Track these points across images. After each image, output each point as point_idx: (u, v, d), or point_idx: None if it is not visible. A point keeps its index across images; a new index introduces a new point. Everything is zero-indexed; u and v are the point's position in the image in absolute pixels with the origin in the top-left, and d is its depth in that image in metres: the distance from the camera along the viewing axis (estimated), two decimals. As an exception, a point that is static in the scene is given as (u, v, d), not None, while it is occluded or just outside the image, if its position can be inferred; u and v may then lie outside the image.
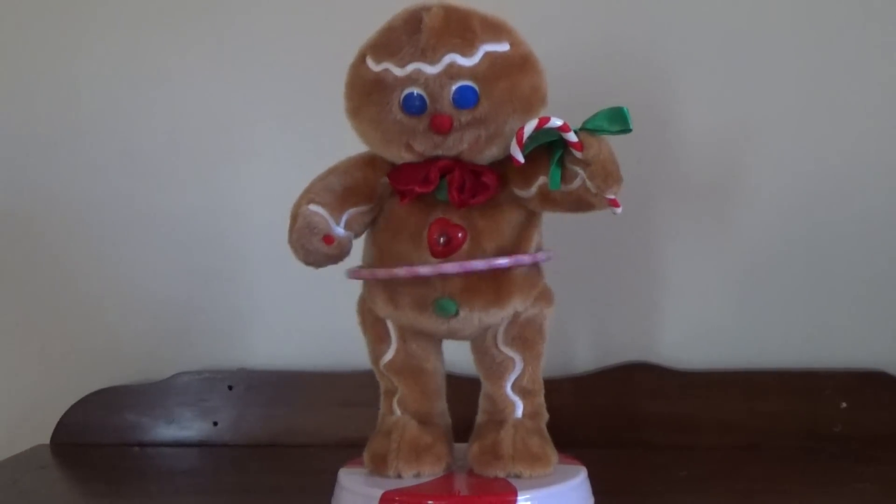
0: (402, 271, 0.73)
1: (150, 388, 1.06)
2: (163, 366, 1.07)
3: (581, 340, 1.06)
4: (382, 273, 0.74)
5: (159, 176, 1.08)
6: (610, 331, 1.06)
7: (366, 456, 0.77)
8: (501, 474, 0.74)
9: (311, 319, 1.05)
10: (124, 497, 0.90)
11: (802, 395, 1.01)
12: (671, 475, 0.90)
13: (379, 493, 0.71)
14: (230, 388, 1.06)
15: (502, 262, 0.73)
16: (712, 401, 1.01)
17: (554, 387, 1.01)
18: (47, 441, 1.06)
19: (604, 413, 1.02)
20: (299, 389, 1.05)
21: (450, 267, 0.72)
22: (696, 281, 1.05)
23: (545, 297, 0.78)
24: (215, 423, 1.05)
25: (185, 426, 1.06)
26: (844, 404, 1.00)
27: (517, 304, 0.75)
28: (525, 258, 0.74)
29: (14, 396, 1.10)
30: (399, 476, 0.74)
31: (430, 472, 0.75)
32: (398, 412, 0.78)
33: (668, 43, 1.04)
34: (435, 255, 0.72)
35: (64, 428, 1.05)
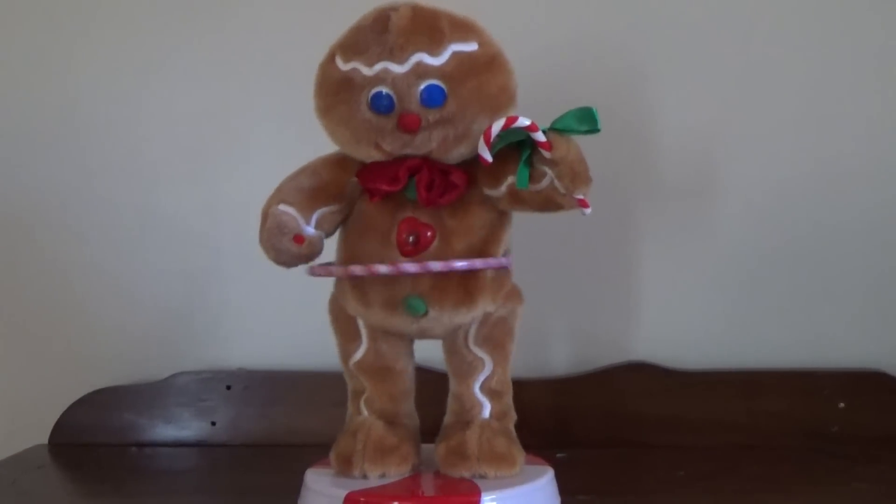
0: (358, 269, 0.73)
1: (149, 388, 1.06)
2: (161, 366, 1.07)
3: (576, 341, 1.06)
4: (340, 271, 0.74)
5: (157, 176, 1.09)
6: (605, 331, 1.06)
7: (332, 456, 0.77)
8: (467, 475, 0.74)
9: (310, 319, 1.04)
10: (122, 497, 0.90)
11: (800, 395, 1.01)
12: (669, 475, 0.91)
13: (343, 493, 0.71)
14: (228, 388, 1.06)
15: (461, 264, 0.72)
16: (710, 401, 1.01)
17: (551, 387, 1.02)
18: (45, 441, 1.06)
19: (602, 413, 1.02)
20: (297, 389, 1.05)
21: (409, 267, 0.71)
22: (694, 281, 1.05)
23: (515, 296, 0.78)
24: (213, 423, 1.05)
25: (184, 426, 1.06)
26: (842, 404, 1.00)
27: (487, 305, 0.75)
28: (491, 261, 0.74)
29: (12, 397, 1.10)
30: (364, 476, 0.74)
31: (395, 472, 0.75)
32: (365, 412, 0.78)
33: (644, 44, 1.05)
34: (404, 254, 0.73)
35: (62, 428, 1.05)
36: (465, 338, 0.77)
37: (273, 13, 1.07)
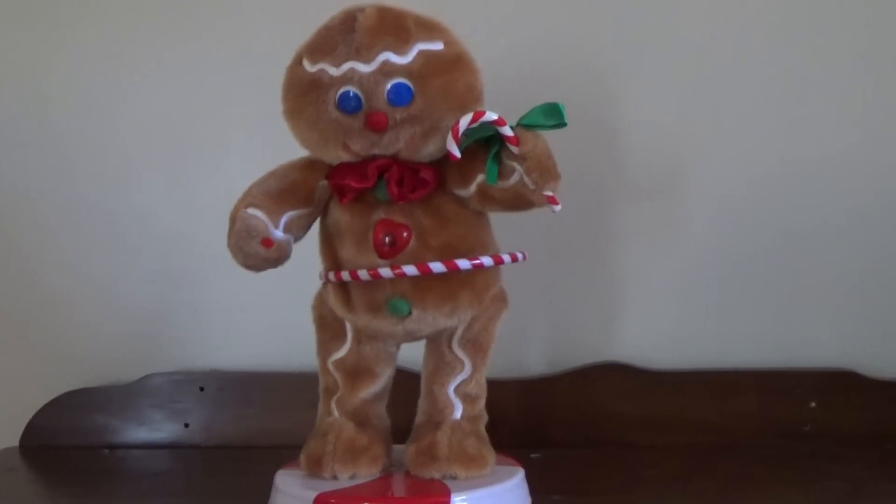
0: (364, 274, 0.73)
1: (121, 389, 1.05)
2: (133, 367, 1.06)
3: (550, 341, 1.07)
4: (364, 274, 0.74)
5: (129, 177, 1.08)
6: (578, 332, 1.06)
7: (302, 457, 0.77)
8: (437, 475, 0.74)
9: (283, 320, 1.04)
10: (95, 500, 0.90)
11: (772, 395, 1.02)
12: (642, 474, 0.91)
13: (313, 495, 0.71)
14: (202, 389, 1.05)
15: (463, 263, 0.73)
16: (683, 400, 1.01)
17: (526, 387, 1.02)
18: (16, 443, 1.05)
19: (576, 413, 1.02)
20: (271, 390, 1.05)
21: (409, 269, 0.72)
22: (667, 281, 1.06)
23: (501, 299, 0.78)
24: (186, 425, 1.05)
25: (156, 428, 1.05)
26: (814, 404, 1.01)
27: (471, 304, 0.75)
28: (479, 260, 0.74)
29: (-17, 398, 1.09)
30: (335, 478, 0.74)
31: (366, 473, 0.75)
32: (336, 413, 0.78)
33: (613, 42, 1.05)
34: (382, 255, 0.73)
35: (33, 430, 1.04)
36: (450, 338, 0.77)
37: (250, 14, 1.07)
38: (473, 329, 0.77)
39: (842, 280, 1.05)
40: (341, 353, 0.78)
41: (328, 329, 0.79)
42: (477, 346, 0.77)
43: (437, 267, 0.72)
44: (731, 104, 1.05)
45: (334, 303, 0.77)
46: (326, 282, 0.78)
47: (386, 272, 0.72)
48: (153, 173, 1.08)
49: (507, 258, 0.76)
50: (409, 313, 0.74)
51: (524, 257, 0.77)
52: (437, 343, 0.78)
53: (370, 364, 0.78)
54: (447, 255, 0.73)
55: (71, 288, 1.09)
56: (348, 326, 0.78)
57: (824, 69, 1.04)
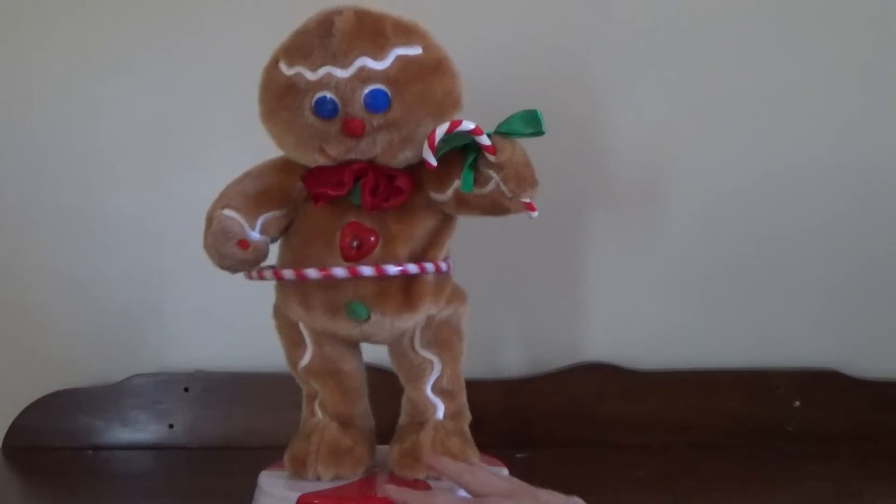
0: (287, 273, 0.73)
1: (105, 390, 1.05)
2: (117, 368, 1.06)
3: (534, 342, 1.07)
4: (289, 273, 0.74)
5: (112, 177, 1.07)
6: (562, 332, 1.07)
7: (286, 458, 0.77)
8: (421, 476, 0.75)
9: (267, 321, 1.04)
10: (78, 500, 0.90)
11: (756, 395, 1.02)
12: (626, 474, 0.91)
13: (296, 496, 0.71)
14: (186, 390, 1.05)
15: (412, 268, 0.73)
16: (666, 400, 1.02)
17: (510, 388, 1.02)
18: None
19: (559, 413, 1.02)
20: (256, 391, 1.04)
21: (338, 271, 0.72)
22: (650, 282, 1.06)
23: (457, 296, 0.78)
24: (171, 426, 1.05)
25: (140, 429, 1.05)
26: (797, 403, 1.02)
27: (429, 308, 0.75)
28: (429, 266, 0.74)
29: (-34, 401, 1.09)
30: (318, 478, 0.75)
31: (349, 474, 0.76)
32: (319, 415, 0.78)
33: (595, 47, 1.05)
34: (347, 259, 0.72)
35: (17, 431, 1.04)
36: (412, 341, 0.77)
37: (231, 12, 1.06)
38: (431, 329, 0.77)
39: (825, 280, 1.05)
40: (306, 359, 0.78)
41: (288, 338, 0.79)
42: (440, 343, 0.77)
43: (391, 270, 0.72)
44: (712, 109, 1.05)
45: (291, 303, 0.76)
46: (279, 280, 0.76)
47: (340, 272, 0.71)
48: (134, 175, 1.07)
49: (443, 266, 0.76)
50: (368, 318, 0.73)
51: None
52: (400, 348, 0.78)
53: (337, 363, 0.78)
54: (410, 262, 0.73)
55: (54, 289, 1.09)
56: (304, 330, 0.77)
57: (806, 75, 1.05)
